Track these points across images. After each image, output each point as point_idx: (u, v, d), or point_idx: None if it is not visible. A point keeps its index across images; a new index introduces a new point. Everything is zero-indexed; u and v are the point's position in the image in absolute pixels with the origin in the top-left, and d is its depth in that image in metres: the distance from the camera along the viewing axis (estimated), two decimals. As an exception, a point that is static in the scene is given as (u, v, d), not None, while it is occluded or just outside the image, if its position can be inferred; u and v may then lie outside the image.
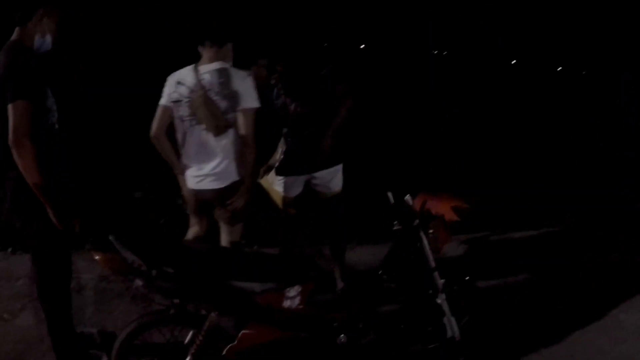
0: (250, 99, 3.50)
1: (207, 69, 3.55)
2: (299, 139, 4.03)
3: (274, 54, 4.05)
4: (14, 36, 3.05)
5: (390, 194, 3.04)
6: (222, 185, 3.59)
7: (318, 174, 4.09)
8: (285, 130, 4.15)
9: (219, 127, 3.49)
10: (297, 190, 4.14)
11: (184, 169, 3.71)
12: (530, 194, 7.54)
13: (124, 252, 2.55)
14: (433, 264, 2.95)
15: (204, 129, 3.52)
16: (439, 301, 2.95)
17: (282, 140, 4.21)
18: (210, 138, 3.54)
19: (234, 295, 2.64)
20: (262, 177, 4.26)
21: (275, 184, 4.16)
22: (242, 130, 3.51)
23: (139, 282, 2.61)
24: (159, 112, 3.66)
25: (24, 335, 3.84)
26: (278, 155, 4.21)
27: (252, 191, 3.68)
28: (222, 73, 3.51)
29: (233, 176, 3.60)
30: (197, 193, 3.67)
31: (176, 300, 2.69)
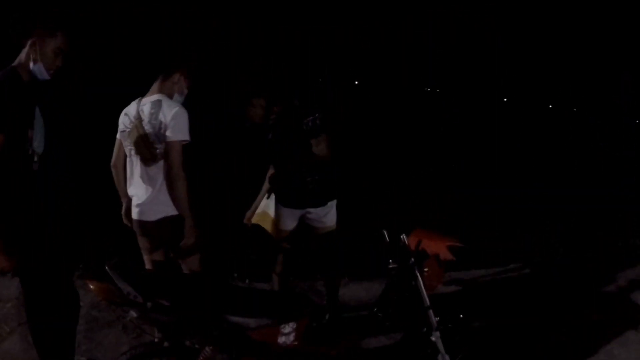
0: (176, 132, 3.42)
1: (147, 100, 3.55)
2: (297, 175, 4.04)
3: (271, 93, 4.03)
4: (16, 60, 3.07)
5: (385, 232, 3.07)
6: (151, 219, 3.53)
7: (313, 209, 4.11)
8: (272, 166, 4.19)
9: (148, 157, 3.48)
10: (292, 224, 4.15)
11: (130, 198, 3.71)
12: (529, 194, 7.62)
13: (120, 282, 2.55)
14: (427, 302, 2.97)
15: (140, 158, 3.53)
16: (433, 339, 2.97)
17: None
18: (144, 168, 3.53)
19: (228, 330, 2.64)
20: (248, 218, 4.30)
21: (269, 211, 4.18)
22: (168, 162, 3.44)
23: (133, 314, 2.60)
24: (116, 143, 3.76)
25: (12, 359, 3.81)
26: (262, 197, 4.25)
27: (201, 225, 3.57)
28: (155, 104, 3.49)
29: (163, 211, 3.51)
30: (135, 223, 3.65)
31: (171, 334, 2.69)
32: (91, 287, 2.60)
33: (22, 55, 3.05)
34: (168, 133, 3.42)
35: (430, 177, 9.35)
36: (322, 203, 4.10)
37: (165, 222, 3.51)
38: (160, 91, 3.58)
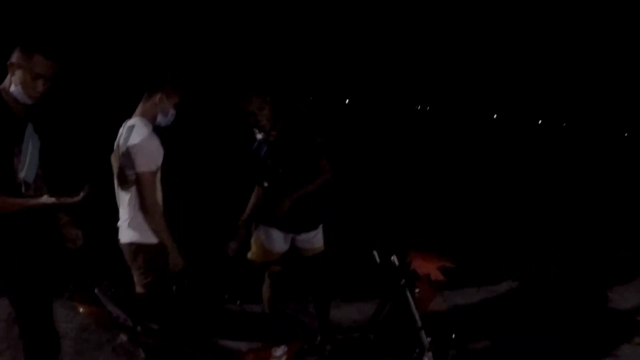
0: (143, 162, 3.35)
1: (126, 124, 3.50)
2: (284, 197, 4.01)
3: (274, 88, 3.97)
4: (2, 83, 2.97)
5: (376, 253, 3.07)
6: (122, 241, 3.49)
7: (304, 233, 4.10)
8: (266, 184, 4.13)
9: (123, 181, 3.44)
10: (283, 247, 4.12)
11: None
12: (521, 210, 7.62)
13: (109, 305, 2.53)
14: (419, 322, 2.97)
15: (118, 182, 3.50)
16: (425, 359, 2.96)
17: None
18: (121, 191, 3.49)
19: (219, 354, 2.62)
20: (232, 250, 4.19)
21: (259, 235, 4.14)
22: (140, 194, 3.39)
23: (123, 338, 2.59)
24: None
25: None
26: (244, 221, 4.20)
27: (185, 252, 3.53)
28: (128, 129, 3.43)
29: (132, 236, 3.45)
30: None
31: (161, 358, 2.67)
32: (80, 309, 2.58)
33: (7, 80, 2.95)
34: (136, 162, 3.34)
35: (422, 195, 9.36)
36: (314, 227, 4.08)
37: (132, 247, 3.45)
38: (142, 113, 3.50)
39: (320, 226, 4.15)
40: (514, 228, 8.46)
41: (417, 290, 3.04)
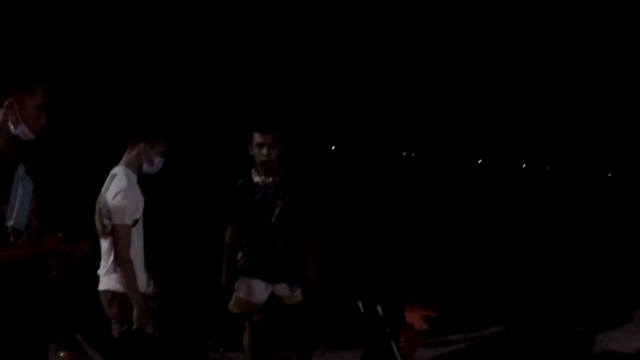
0: (117, 214, 3.35)
1: (112, 172, 3.53)
2: (272, 247, 4.02)
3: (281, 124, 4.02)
4: None
5: (360, 304, 3.07)
6: (99, 288, 3.49)
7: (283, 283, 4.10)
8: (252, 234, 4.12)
9: (100, 229, 3.44)
10: (264, 296, 4.10)
11: None
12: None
13: (91, 352, 2.50)
14: (404, 372, 2.95)
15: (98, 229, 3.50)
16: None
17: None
18: (101, 239, 3.49)
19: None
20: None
21: (239, 286, 4.11)
22: (114, 245, 3.39)
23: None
24: None
25: None
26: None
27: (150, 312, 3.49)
28: (110, 178, 3.47)
29: (108, 284, 3.45)
30: None
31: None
32: (61, 355, 2.55)
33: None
34: (112, 214, 3.35)
35: (407, 243, 9.35)
36: (295, 277, 4.08)
37: (108, 295, 3.44)
38: (126, 163, 3.53)
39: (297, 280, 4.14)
40: (498, 273, 8.46)
41: (401, 339, 3.04)
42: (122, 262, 3.34)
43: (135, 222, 3.45)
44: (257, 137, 3.95)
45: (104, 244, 3.45)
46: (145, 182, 3.62)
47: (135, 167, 3.53)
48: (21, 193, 2.76)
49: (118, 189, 3.37)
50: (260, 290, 4.06)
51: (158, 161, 3.59)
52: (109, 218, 3.36)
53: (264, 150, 3.92)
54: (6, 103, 2.67)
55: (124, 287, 3.37)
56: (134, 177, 3.50)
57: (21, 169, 2.78)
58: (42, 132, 2.81)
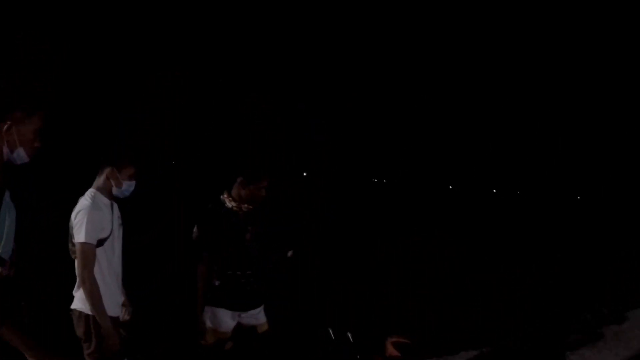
0: (78, 233, 3.42)
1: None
2: (238, 277, 4.06)
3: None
4: None
5: (330, 331, 3.10)
6: (71, 307, 3.55)
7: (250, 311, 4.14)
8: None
9: (70, 250, 3.51)
10: (231, 324, 4.11)
11: None
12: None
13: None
14: (376, 399, 2.97)
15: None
16: None
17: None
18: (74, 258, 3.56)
19: None
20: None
21: (206, 317, 4.09)
22: (77, 263, 3.47)
23: None
24: None
25: None
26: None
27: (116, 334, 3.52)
28: (79, 200, 3.55)
29: (75, 303, 3.51)
30: None
31: None
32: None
33: None
34: (75, 233, 3.42)
35: (378, 269, 9.40)
36: (259, 304, 4.14)
37: (75, 314, 3.50)
38: (96, 185, 3.61)
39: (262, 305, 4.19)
40: (469, 298, 8.53)
41: (373, 366, 3.07)
42: (85, 281, 3.39)
43: (101, 241, 3.48)
44: (266, 182, 4.10)
45: (76, 264, 3.47)
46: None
47: (103, 190, 3.60)
48: (8, 221, 2.67)
49: (80, 208, 3.46)
50: (226, 320, 4.08)
51: (127, 185, 3.64)
52: (73, 237, 3.43)
53: (264, 191, 4.10)
54: (5, 127, 2.59)
55: (89, 306, 3.40)
56: (103, 199, 3.58)
57: (7, 196, 2.68)
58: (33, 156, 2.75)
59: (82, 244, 3.40)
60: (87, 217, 3.44)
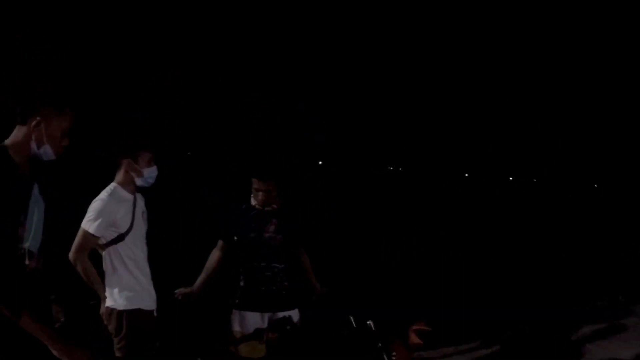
0: (85, 219, 3.50)
1: None
2: (264, 270, 4.03)
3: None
4: (10, 138, 2.64)
5: (352, 318, 3.09)
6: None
7: (282, 313, 4.00)
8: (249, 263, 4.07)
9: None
10: (260, 326, 3.97)
11: None
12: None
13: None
14: (397, 386, 2.96)
15: None
16: None
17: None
18: None
19: None
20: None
21: (233, 323, 4.03)
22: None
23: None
24: None
25: None
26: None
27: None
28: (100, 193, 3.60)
29: (107, 301, 3.57)
30: None
31: None
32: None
33: (19, 135, 2.62)
34: (84, 218, 3.50)
35: (394, 257, 9.39)
36: (291, 306, 4.05)
37: (107, 310, 3.56)
38: (117, 180, 3.64)
39: (297, 308, 4.10)
40: (488, 286, 8.50)
41: (393, 354, 3.05)
42: (74, 262, 3.44)
43: (121, 236, 3.53)
44: (255, 183, 4.02)
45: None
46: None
47: (124, 183, 3.62)
48: (37, 213, 2.67)
49: (97, 199, 3.53)
50: (255, 321, 3.98)
51: (148, 172, 3.64)
52: None
53: (260, 195, 4.01)
54: (34, 122, 2.61)
55: (86, 281, 3.47)
56: (124, 194, 3.60)
57: (36, 189, 2.67)
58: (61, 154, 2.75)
59: (85, 231, 3.46)
60: (100, 209, 3.48)
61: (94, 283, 3.50)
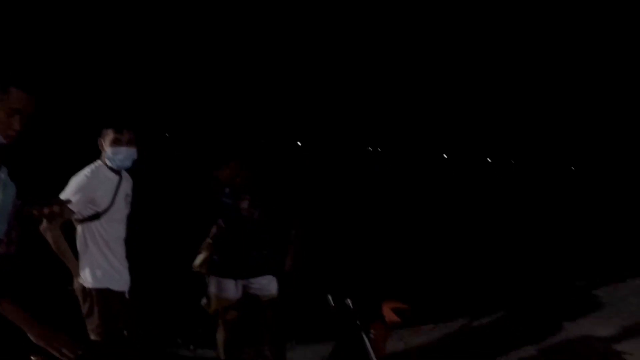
0: (65, 189, 3.50)
1: None
2: (243, 242, 4.05)
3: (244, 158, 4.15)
4: None
5: (330, 297, 3.09)
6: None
7: (254, 279, 4.12)
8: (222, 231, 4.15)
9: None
10: (236, 294, 4.11)
11: None
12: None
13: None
14: (375, 364, 2.97)
15: None
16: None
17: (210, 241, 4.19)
18: None
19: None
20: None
21: (210, 286, 4.11)
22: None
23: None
24: None
25: None
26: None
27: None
28: None
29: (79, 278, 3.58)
30: None
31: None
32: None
33: None
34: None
35: (374, 237, 9.43)
36: (265, 272, 4.13)
37: (78, 288, 3.54)
38: (101, 157, 3.62)
39: (273, 274, 4.19)
40: (466, 265, 8.57)
41: (372, 331, 3.06)
42: (43, 230, 3.39)
43: (97, 215, 3.50)
44: (233, 166, 4.12)
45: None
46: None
47: (104, 161, 3.61)
48: (2, 197, 2.57)
49: (79, 173, 3.53)
50: (231, 289, 4.08)
51: (112, 151, 3.58)
52: None
53: (241, 177, 4.12)
54: None
55: (55, 251, 3.44)
56: (107, 172, 3.59)
57: (3, 172, 2.59)
58: (15, 139, 2.58)
59: (61, 199, 3.35)
60: (80, 183, 3.47)
61: (64, 254, 3.47)
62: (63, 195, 3.41)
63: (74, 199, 3.39)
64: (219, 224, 4.18)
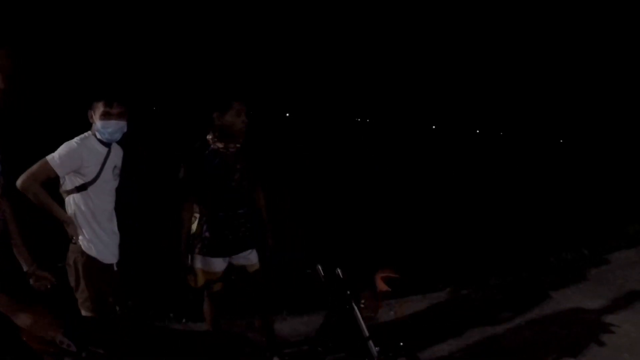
0: (54, 152, 3.50)
1: None
2: (230, 218, 4.01)
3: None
4: None
5: (319, 267, 3.08)
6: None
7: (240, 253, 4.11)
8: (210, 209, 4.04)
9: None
10: (221, 266, 4.08)
11: None
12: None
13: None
14: (367, 333, 2.97)
15: None
16: (374, 369, 2.96)
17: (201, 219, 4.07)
18: None
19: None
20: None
21: (196, 263, 4.05)
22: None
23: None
24: None
25: None
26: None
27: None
28: None
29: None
30: None
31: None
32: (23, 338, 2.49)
33: None
34: None
35: (365, 207, 9.48)
36: (250, 247, 4.14)
37: (68, 263, 3.61)
38: (92, 128, 3.64)
39: (254, 246, 4.19)
40: (454, 236, 8.63)
41: (362, 301, 3.07)
42: (25, 188, 3.39)
43: (83, 186, 3.52)
44: (238, 106, 3.94)
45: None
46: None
47: (94, 133, 3.64)
48: None
49: (69, 141, 3.55)
50: (217, 263, 4.06)
51: (100, 124, 3.58)
52: None
53: (244, 117, 3.95)
54: None
55: (38, 205, 3.43)
56: (96, 144, 3.61)
57: None
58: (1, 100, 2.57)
59: (46, 162, 3.43)
60: (68, 149, 3.49)
61: (47, 205, 3.46)
62: (49, 157, 3.44)
63: (59, 162, 3.44)
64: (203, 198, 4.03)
